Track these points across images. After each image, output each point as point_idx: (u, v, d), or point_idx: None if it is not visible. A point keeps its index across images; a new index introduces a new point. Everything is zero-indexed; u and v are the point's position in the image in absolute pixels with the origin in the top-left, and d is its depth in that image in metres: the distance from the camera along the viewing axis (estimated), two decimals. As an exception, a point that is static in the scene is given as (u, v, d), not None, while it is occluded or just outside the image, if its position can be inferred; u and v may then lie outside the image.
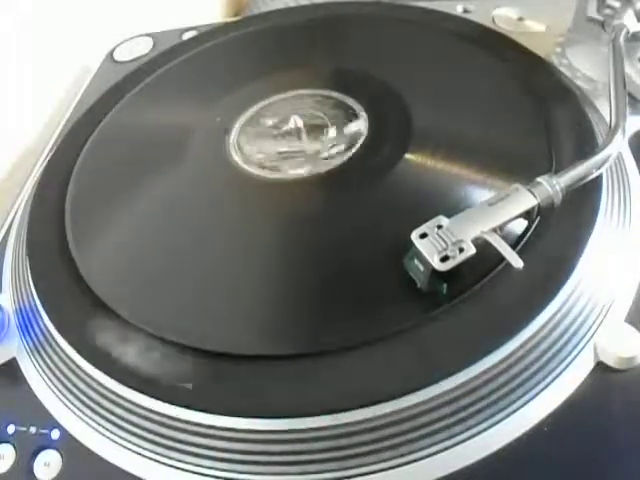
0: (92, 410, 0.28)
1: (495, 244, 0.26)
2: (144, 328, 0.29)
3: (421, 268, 0.27)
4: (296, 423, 0.25)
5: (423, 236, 0.27)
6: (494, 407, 0.25)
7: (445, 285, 0.27)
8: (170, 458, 0.27)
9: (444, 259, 0.26)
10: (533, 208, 0.27)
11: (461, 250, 0.26)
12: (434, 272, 0.26)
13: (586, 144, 0.32)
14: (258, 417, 0.26)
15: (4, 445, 0.29)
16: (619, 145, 0.30)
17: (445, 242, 0.26)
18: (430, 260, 0.26)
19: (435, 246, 0.26)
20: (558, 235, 0.29)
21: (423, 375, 0.25)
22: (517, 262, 0.26)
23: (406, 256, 0.28)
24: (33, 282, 0.33)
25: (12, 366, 0.32)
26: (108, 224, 0.35)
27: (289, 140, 0.37)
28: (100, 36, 0.53)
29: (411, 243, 0.27)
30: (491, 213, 0.27)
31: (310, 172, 0.34)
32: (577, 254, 0.28)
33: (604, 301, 0.28)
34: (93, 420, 0.28)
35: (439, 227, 0.27)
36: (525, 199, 0.28)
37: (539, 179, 0.28)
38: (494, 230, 0.27)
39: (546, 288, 0.27)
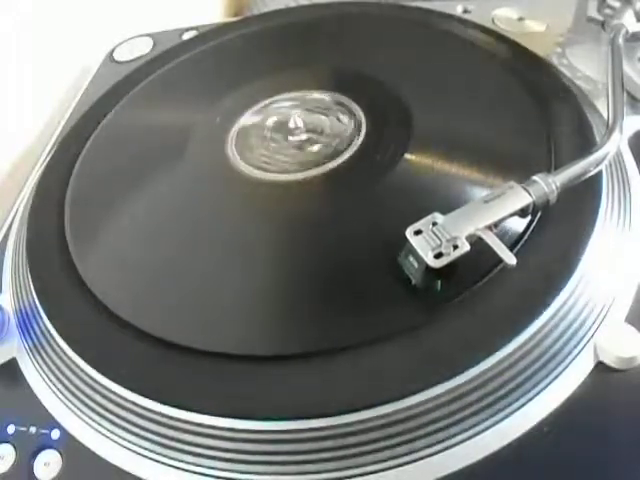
0: (92, 410, 0.28)
1: (489, 241, 0.26)
2: (143, 328, 0.29)
3: (415, 265, 0.27)
4: (296, 424, 0.25)
5: (418, 233, 0.27)
6: (494, 407, 0.25)
7: (440, 282, 0.27)
8: (170, 458, 0.27)
9: (438, 256, 0.26)
10: (528, 206, 0.27)
11: (455, 247, 0.26)
12: (428, 269, 0.26)
13: (585, 143, 0.32)
14: (258, 418, 0.26)
15: (4, 445, 0.29)
16: (616, 144, 0.30)
17: (439, 239, 0.26)
18: (424, 257, 0.26)
19: (429, 243, 0.26)
20: (558, 235, 0.29)
21: (423, 376, 0.25)
22: (510, 259, 0.26)
23: (401, 253, 0.28)
24: (33, 282, 0.33)
25: (12, 366, 0.32)
26: (108, 224, 0.35)
27: (289, 140, 0.37)
28: (100, 36, 0.53)
29: (406, 240, 0.27)
30: (486, 210, 0.27)
31: (309, 172, 0.34)
32: (577, 254, 0.28)
33: (604, 301, 0.28)
34: (93, 420, 0.28)
35: (434, 224, 0.27)
36: (520, 197, 0.27)
37: (535, 177, 0.28)
38: (489, 227, 0.27)
39: (546, 288, 0.27)
